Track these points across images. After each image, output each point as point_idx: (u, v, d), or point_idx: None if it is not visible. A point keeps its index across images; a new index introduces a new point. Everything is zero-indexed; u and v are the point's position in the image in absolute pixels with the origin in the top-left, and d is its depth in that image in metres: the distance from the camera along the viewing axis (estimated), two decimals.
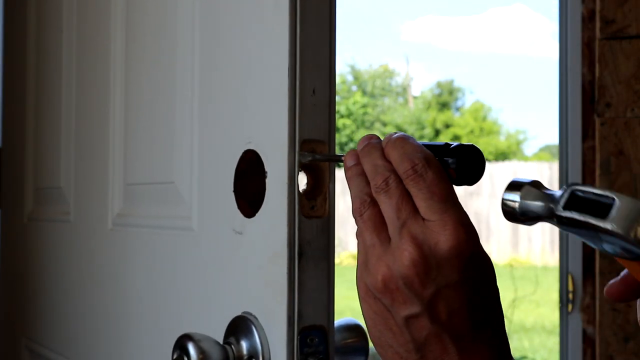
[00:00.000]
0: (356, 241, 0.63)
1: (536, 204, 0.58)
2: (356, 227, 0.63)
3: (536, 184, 0.59)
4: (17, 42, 1.54)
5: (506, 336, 0.61)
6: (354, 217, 0.62)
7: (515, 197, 0.59)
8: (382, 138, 0.65)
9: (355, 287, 0.63)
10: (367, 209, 0.61)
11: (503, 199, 0.60)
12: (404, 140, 0.62)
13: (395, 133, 0.63)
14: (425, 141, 0.64)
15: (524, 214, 0.59)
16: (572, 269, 1.89)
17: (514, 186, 0.60)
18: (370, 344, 0.75)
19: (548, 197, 0.58)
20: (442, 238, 0.57)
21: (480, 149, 0.62)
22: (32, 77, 1.47)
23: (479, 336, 0.59)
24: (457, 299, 0.58)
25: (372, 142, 0.64)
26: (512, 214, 0.60)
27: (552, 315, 7.98)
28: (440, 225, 0.58)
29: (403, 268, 0.58)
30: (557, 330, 1.88)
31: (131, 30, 1.10)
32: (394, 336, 0.60)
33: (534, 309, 8.47)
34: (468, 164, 0.61)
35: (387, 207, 0.60)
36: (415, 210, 0.59)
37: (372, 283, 0.60)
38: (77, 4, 1.29)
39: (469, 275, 0.58)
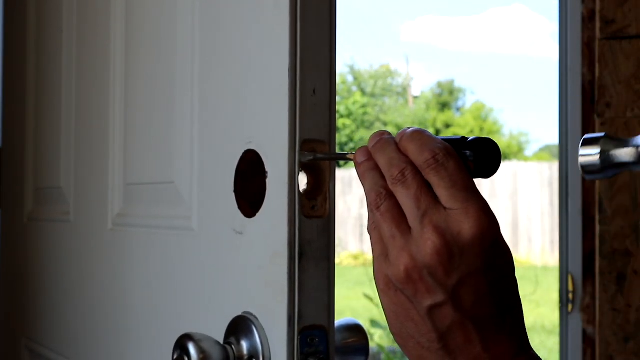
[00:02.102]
0: (369, 235, 0.62)
1: (622, 151, 0.58)
2: (370, 221, 0.62)
3: (609, 136, 0.59)
4: (17, 42, 1.54)
5: (525, 326, 0.61)
6: (370, 210, 0.62)
7: (594, 151, 0.59)
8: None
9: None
10: (383, 201, 0.61)
11: (581, 156, 0.60)
12: (421, 132, 0.62)
13: (410, 128, 0.63)
14: (441, 136, 0.64)
15: (608, 165, 0.58)
16: (572, 269, 1.89)
17: (589, 141, 0.59)
18: (371, 344, 0.75)
19: (631, 143, 0.58)
20: (465, 226, 0.57)
21: (496, 143, 0.63)
22: (32, 77, 1.47)
23: (501, 325, 0.59)
24: (480, 287, 0.58)
25: (385, 138, 0.64)
26: (593, 168, 0.59)
27: (552, 315, 7.98)
28: (463, 214, 0.58)
29: (426, 257, 0.58)
30: (557, 330, 1.88)
31: (131, 31, 1.10)
32: (415, 326, 0.60)
33: (534, 309, 8.48)
34: (486, 156, 0.61)
35: (405, 198, 0.60)
36: (435, 199, 0.59)
37: (394, 274, 0.59)
38: (77, 4, 1.29)
39: (491, 262, 0.58)
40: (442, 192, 0.59)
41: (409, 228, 0.59)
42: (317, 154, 0.74)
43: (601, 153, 0.59)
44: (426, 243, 0.58)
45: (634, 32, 1.61)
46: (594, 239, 1.73)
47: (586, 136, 0.60)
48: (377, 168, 0.63)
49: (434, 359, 0.60)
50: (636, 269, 1.59)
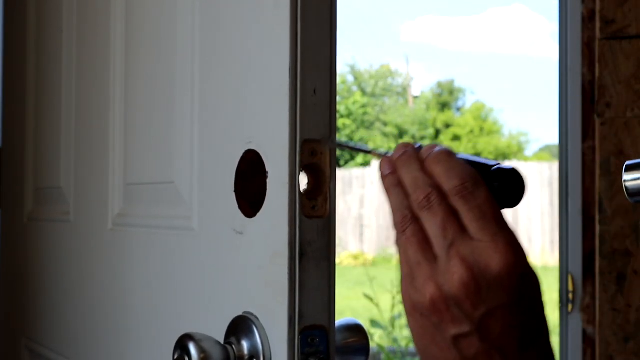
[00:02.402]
0: (397, 250, 0.62)
1: None
2: (396, 237, 0.62)
3: None
4: (17, 42, 1.54)
5: (553, 356, 0.61)
6: (395, 229, 0.61)
7: (638, 175, 0.62)
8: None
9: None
10: (409, 225, 0.60)
11: (625, 180, 0.63)
12: (449, 155, 0.61)
13: (436, 146, 0.62)
14: (462, 154, 0.62)
15: None
16: (572, 269, 1.89)
17: (632, 167, 0.63)
18: (371, 344, 0.76)
19: None
20: (494, 260, 0.57)
21: (521, 173, 0.62)
22: (32, 77, 1.47)
23: (526, 355, 0.59)
24: (507, 320, 0.58)
25: (409, 152, 0.63)
26: (639, 192, 0.63)
27: (552, 315, 7.96)
28: (492, 247, 0.57)
29: (453, 289, 0.57)
30: (557, 330, 1.88)
31: (131, 30, 1.10)
32: (440, 351, 0.60)
33: None
34: (512, 188, 0.61)
35: (432, 225, 0.59)
36: (461, 229, 0.58)
37: (420, 301, 0.59)
38: (77, 4, 1.29)
39: (519, 296, 0.58)
40: (471, 224, 0.58)
41: (435, 256, 0.59)
42: (342, 142, 0.74)
43: None
44: (453, 276, 0.57)
45: (634, 32, 1.61)
46: (594, 239, 1.73)
47: (628, 162, 0.63)
48: (401, 185, 0.62)
49: None
50: (636, 269, 1.59)
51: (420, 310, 0.60)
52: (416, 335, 0.62)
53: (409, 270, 0.60)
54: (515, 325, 0.58)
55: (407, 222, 0.60)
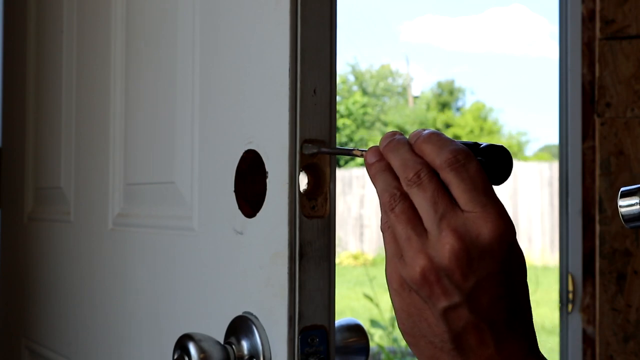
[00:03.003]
0: (382, 235, 0.62)
1: None
2: (383, 221, 0.62)
3: None
4: (17, 42, 1.54)
5: (534, 330, 0.62)
6: (383, 211, 0.62)
7: (633, 201, 0.64)
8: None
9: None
10: (398, 203, 0.61)
11: (621, 207, 0.64)
12: (438, 134, 0.62)
13: (425, 130, 0.63)
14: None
15: None
16: (572, 269, 1.89)
17: (627, 193, 0.64)
18: (371, 344, 0.76)
19: None
20: (485, 230, 0.58)
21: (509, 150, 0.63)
22: (32, 77, 1.47)
23: (513, 327, 0.60)
24: (496, 290, 0.58)
25: (397, 138, 0.63)
26: (633, 217, 0.64)
27: (552, 315, 7.98)
28: (482, 217, 0.58)
29: (444, 260, 0.58)
30: (557, 330, 1.88)
31: (131, 31, 1.10)
32: (428, 327, 0.60)
33: (534, 309, 8.36)
34: (498, 163, 0.62)
35: (422, 200, 0.60)
36: (452, 202, 0.59)
37: (410, 275, 0.59)
38: (77, 4, 1.29)
39: (507, 266, 0.59)
40: (461, 194, 0.59)
41: (425, 230, 0.59)
42: (321, 148, 0.74)
43: None
44: (444, 246, 0.58)
45: (634, 32, 1.61)
46: (594, 239, 1.73)
47: (623, 189, 0.65)
48: (389, 169, 0.63)
49: (446, 358, 0.60)
50: (636, 269, 1.59)
51: (409, 286, 0.60)
52: (403, 314, 0.62)
53: (396, 248, 0.61)
54: (502, 296, 0.59)
55: (396, 200, 0.61)
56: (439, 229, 0.58)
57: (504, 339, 0.59)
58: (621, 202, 0.64)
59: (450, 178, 0.59)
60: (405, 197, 0.61)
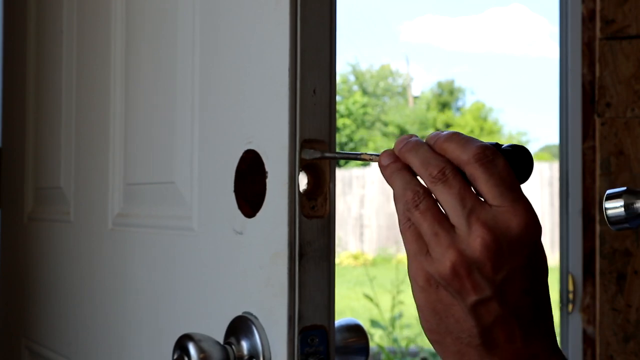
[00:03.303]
0: (402, 234, 0.62)
1: None
2: (404, 220, 0.62)
3: (630, 190, 0.65)
4: (17, 42, 1.54)
5: (554, 329, 0.62)
6: (405, 209, 0.61)
7: (618, 204, 0.64)
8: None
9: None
10: (422, 200, 0.61)
11: (606, 209, 0.65)
12: (460, 134, 0.62)
13: (443, 132, 0.63)
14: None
15: (632, 216, 0.64)
16: (572, 269, 1.89)
17: (612, 196, 0.65)
18: (371, 344, 0.75)
19: None
20: (514, 223, 0.58)
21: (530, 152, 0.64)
22: (32, 77, 1.47)
23: (538, 324, 0.60)
24: (523, 283, 0.59)
25: (415, 140, 0.64)
26: (619, 220, 0.65)
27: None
28: (511, 211, 0.58)
29: (476, 252, 0.58)
30: (557, 330, 1.88)
31: (131, 31, 1.10)
32: (456, 322, 0.60)
33: None
34: (520, 163, 0.62)
35: (448, 196, 0.60)
36: (479, 197, 0.59)
37: (439, 270, 0.59)
38: (77, 4, 1.29)
39: (534, 261, 0.59)
40: (490, 189, 0.59)
41: (452, 226, 0.59)
42: (325, 153, 0.74)
43: (625, 206, 0.64)
44: (475, 239, 0.58)
45: (634, 32, 1.61)
46: (594, 239, 1.73)
47: (608, 191, 0.65)
48: (406, 168, 0.63)
49: (473, 354, 0.60)
50: (636, 269, 1.59)
51: (437, 282, 0.60)
52: (428, 311, 0.62)
53: (421, 246, 0.61)
54: (529, 291, 0.59)
55: (420, 197, 0.61)
56: (468, 223, 0.58)
57: (530, 335, 0.59)
58: (607, 204, 0.65)
59: (478, 173, 0.59)
60: (428, 194, 0.61)
